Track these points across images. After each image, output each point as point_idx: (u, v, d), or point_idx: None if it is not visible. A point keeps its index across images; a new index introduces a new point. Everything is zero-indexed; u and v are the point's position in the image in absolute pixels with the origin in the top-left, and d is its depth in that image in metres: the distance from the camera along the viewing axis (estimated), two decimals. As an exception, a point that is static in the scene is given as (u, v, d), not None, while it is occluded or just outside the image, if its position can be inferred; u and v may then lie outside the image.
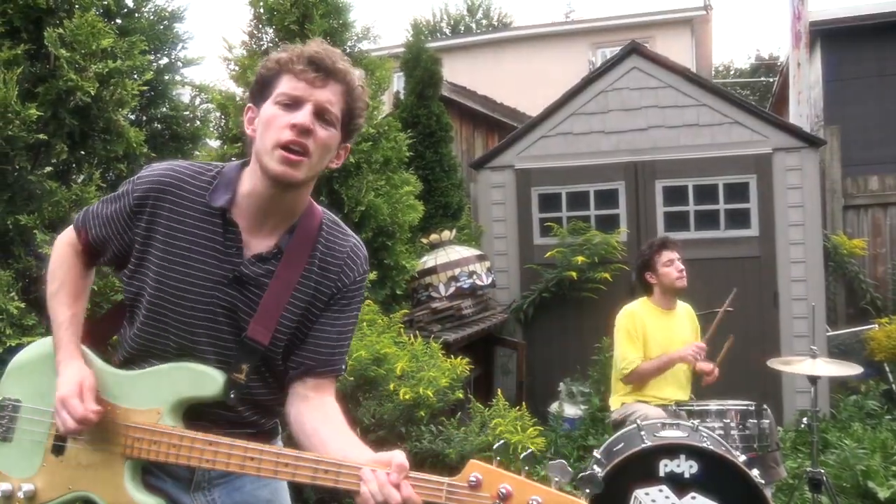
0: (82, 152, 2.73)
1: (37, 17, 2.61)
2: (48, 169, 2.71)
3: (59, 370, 1.48)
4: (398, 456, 1.30)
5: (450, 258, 5.20)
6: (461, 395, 3.79)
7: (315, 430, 1.46)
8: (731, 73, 26.03)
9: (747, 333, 5.41)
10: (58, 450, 1.51)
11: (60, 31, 2.52)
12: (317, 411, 1.49)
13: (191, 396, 1.46)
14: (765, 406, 3.62)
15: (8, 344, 2.27)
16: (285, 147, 1.39)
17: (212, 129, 3.78)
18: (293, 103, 1.41)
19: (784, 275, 5.60)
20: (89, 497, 1.49)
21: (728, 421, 3.52)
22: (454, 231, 5.64)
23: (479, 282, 5.22)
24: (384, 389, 3.68)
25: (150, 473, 1.52)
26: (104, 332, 1.65)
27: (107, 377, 1.51)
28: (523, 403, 4.74)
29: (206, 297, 1.45)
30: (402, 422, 3.56)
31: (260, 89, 1.47)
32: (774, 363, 3.62)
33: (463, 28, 23.32)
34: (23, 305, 2.35)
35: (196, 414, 1.48)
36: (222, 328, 1.47)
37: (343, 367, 1.59)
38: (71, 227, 1.59)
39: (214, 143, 4.35)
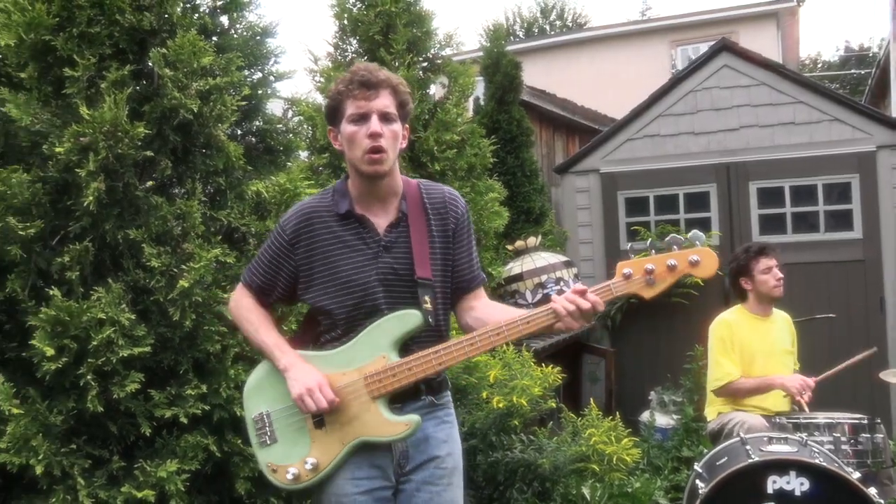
0: (183, 167, 2.80)
1: (141, 39, 2.69)
2: (150, 183, 2.80)
3: (288, 370, 1.91)
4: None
5: (536, 265, 5.14)
6: (554, 405, 3.73)
7: (493, 316, 1.95)
8: (819, 66, 24.96)
9: (852, 341, 5.12)
10: (319, 424, 1.91)
11: (164, 51, 2.60)
12: (486, 307, 2.02)
13: (403, 333, 1.89)
14: (878, 419, 3.41)
15: (120, 354, 2.34)
16: (369, 152, 1.86)
17: (301, 141, 3.83)
18: (362, 118, 1.88)
19: (891, 279, 5.29)
20: (364, 441, 1.88)
21: (838, 435, 3.31)
22: (539, 237, 5.57)
23: (566, 288, 5.13)
24: (475, 398, 3.65)
25: None
26: (305, 340, 2.10)
27: (332, 357, 1.94)
28: (616, 413, 4.64)
29: (371, 271, 1.93)
30: (495, 431, 3.52)
31: (332, 114, 1.96)
32: (888, 376, 3.41)
33: (537, 30, 23.15)
34: (133, 317, 2.41)
35: (408, 348, 1.91)
36: (394, 286, 1.93)
37: (484, 276, 2.09)
38: (239, 286, 2.11)
39: (303, 154, 4.42)
